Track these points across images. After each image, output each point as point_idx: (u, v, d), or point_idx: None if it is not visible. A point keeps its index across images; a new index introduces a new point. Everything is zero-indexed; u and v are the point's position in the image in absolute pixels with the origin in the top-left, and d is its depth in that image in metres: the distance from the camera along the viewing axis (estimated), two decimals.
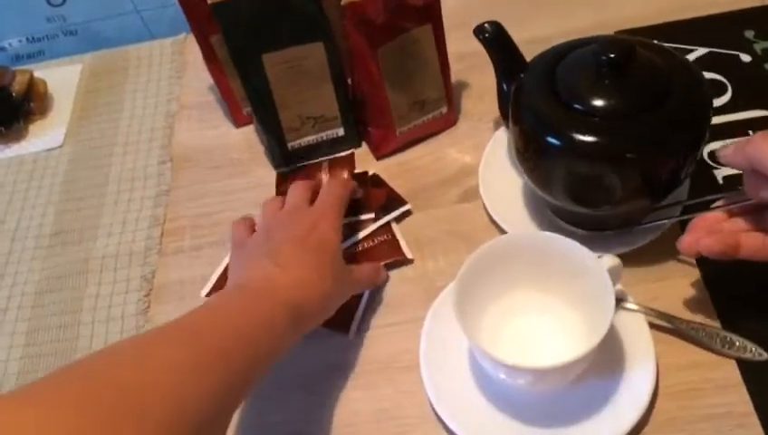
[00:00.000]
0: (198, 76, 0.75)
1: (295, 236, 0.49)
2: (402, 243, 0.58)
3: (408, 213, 0.60)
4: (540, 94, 0.49)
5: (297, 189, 0.55)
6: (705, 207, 0.50)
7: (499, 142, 0.61)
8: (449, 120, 0.65)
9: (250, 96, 0.61)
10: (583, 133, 0.46)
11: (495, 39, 0.54)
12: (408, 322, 0.53)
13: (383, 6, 0.55)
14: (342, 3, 0.54)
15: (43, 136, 0.74)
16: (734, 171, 0.56)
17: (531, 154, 0.51)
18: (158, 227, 0.64)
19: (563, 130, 0.47)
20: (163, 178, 0.68)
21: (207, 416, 0.37)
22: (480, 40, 0.55)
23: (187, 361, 0.38)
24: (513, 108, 0.52)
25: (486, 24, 0.54)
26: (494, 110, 0.59)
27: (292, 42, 0.58)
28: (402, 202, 0.60)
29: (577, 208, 0.51)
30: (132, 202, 0.67)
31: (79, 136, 0.74)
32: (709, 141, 0.59)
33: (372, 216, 0.59)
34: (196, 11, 0.60)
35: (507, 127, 0.55)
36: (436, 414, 0.48)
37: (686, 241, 0.46)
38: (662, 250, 0.52)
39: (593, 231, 0.53)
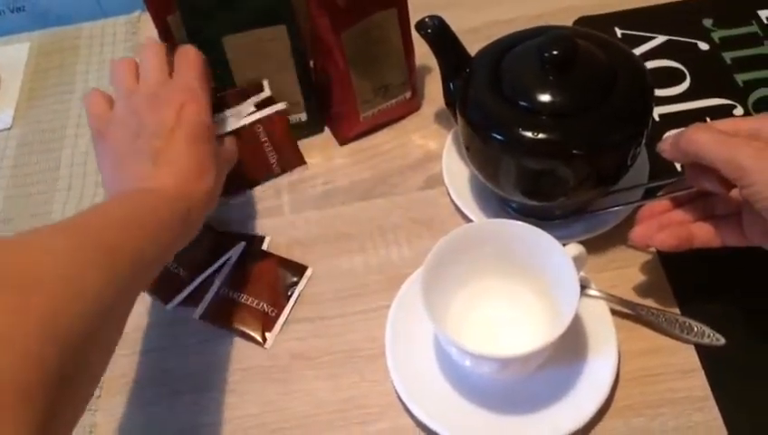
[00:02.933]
0: None
1: (165, 125, 0.47)
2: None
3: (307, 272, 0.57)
4: (485, 91, 0.50)
5: (152, 57, 0.51)
6: (657, 191, 0.51)
7: None
8: (413, 106, 0.65)
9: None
10: (529, 131, 0.47)
11: (438, 34, 0.54)
12: (372, 310, 0.53)
13: None
14: None
15: None
16: None
17: (479, 151, 0.51)
18: None
19: (510, 127, 0.48)
20: None
21: (101, 308, 0.36)
22: (422, 35, 0.54)
23: (78, 254, 0.37)
24: (459, 104, 0.51)
25: (427, 19, 0.53)
26: None
27: (254, 24, 0.56)
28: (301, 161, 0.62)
29: (528, 202, 0.52)
30: (87, 187, 0.64)
31: (28, 118, 0.71)
32: (667, 129, 0.60)
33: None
34: None
35: (455, 120, 0.55)
36: (402, 402, 0.48)
37: (637, 233, 0.47)
38: (622, 237, 0.53)
39: (547, 220, 0.54)
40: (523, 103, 0.48)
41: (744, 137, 0.41)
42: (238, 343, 0.53)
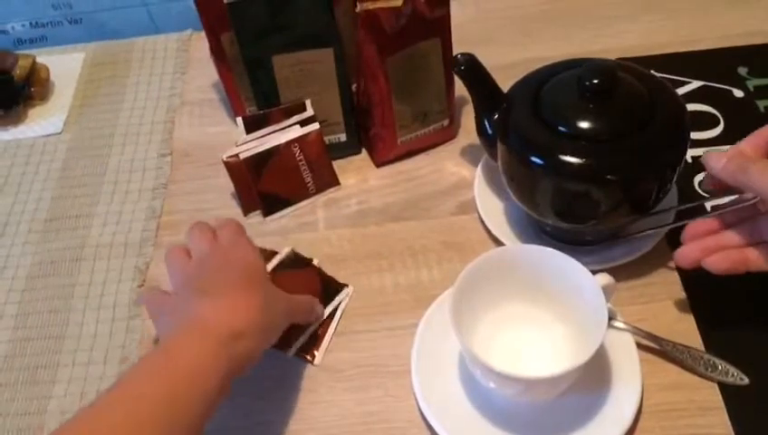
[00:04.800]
0: (202, 73, 0.76)
1: (215, 263, 0.47)
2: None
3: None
4: (525, 117, 0.52)
5: (197, 234, 0.50)
6: (690, 216, 0.52)
7: None
8: (449, 134, 0.66)
9: (257, 96, 0.62)
10: (568, 155, 0.48)
11: (469, 70, 0.56)
12: (400, 328, 0.54)
13: (396, 17, 0.56)
14: (357, 10, 0.55)
15: (43, 122, 0.74)
16: None
17: (518, 175, 0.53)
18: (155, 219, 0.64)
19: (549, 151, 0.49)
20: (162, 171, 0.68)
21: None
22: (454, 71, 0.57)
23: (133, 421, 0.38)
24: (499, 130, 0.53)
25: (460, 56, 0.56)
26: None
27: (303, 46, 0.59)
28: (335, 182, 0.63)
29: (563, 225, 0.53)
30: (130, 193, 0.67)
31: (79, 124, 0.74)
32: (698, 172, 0.61)
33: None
34: (209, 8, 0.61)
35: (486, 151, 0.57)
36: (425, 420, 0.48)
37: (684, 253, 0.48)
38: (651, 267, 0.54)
39: (579, 245, 0.55)
40: (562, 129, 0.49)
41: None
42: (268, 353, 0.53)
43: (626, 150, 0.49)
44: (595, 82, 0.49)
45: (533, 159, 0.50)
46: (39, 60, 0.77)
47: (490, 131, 0.55)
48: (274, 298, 0.48)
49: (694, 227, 0.49)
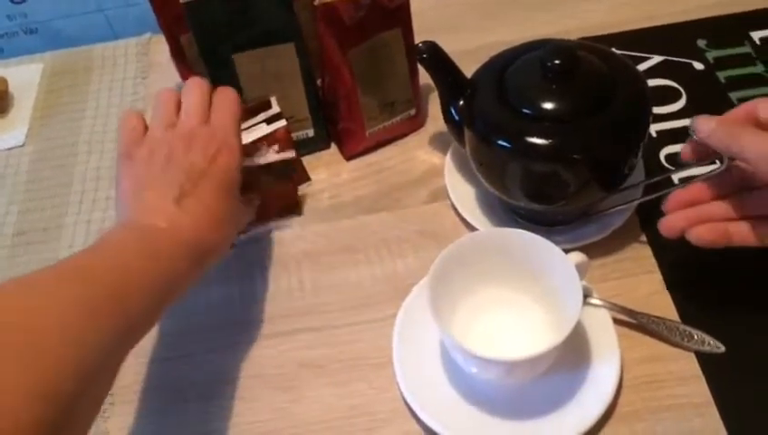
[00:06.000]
0: (164, 77, 0.75)
1: (195, 168, 0.46)
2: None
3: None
4: (490, 101, 0.52)
5: (197, 95, 0.50)
6: (658, 189, 0.53)
7: None
8: (417, 123, 0.66)
9: None
10: (534, 136, 0.49)
11: (432, 58, 0.56)
12: (379, 320, 0.54)
13: (355, 9, 0.56)
14: (315, 3, 0.55)
15: (4, 135, 0.73)
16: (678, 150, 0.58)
17: (486, 160, 0.53)
18: None
19: (515, 134, 0.50)
20: None
21: (102, 358, 0.36)
22: (417, 60, 0.57)
23: (83, 303, 0.37)
24: (465, 116, 0.54)
25: (421, 45, 0.56)
26: None
27: (264, 42, 0.58)
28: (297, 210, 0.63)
29: (534, 206, 0.53)
30: (97, 202, 0.66)
31: (41, 135, 0.73)
32: (664, 146, 0.62)
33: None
34: (166, 10, 0.60)
35: (455, 138, 0.57)
36: (409, 409, 0.49)
37: (667, 222, 0.48)
38: (623, 243, 0.55)
39: (550, 226, 0.56)
40: (526, 111, 0.50)
41: None
42: (247, 351, 0.54)
43: (590, 129, 0.49)
44: (556, 63, 0.49)
45: (500, 142, 0.50)
46: None
47: (457, 118, 0.55)
48: (240, 212, 0.51)
49: (676, 196, 0.48)
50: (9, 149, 0.72)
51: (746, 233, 0.47)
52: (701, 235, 0.46)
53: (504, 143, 0.50)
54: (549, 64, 0.49)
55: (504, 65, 0.53)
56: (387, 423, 0.49)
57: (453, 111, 0.56)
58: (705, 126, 0.46)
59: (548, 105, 0.49)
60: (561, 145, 0.49)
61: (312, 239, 0.60)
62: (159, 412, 0.51)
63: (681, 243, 0.48)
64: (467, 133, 0.53)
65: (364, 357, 0.52)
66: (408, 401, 0.48)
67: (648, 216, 0.55)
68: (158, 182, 0.46)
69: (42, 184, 0.68)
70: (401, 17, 0.59)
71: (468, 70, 0.56)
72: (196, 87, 0.50)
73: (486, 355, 0.44)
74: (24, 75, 0.78)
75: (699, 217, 0.47)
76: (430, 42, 0.55)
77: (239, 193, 0.49)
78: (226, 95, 0.51)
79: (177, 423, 0.51)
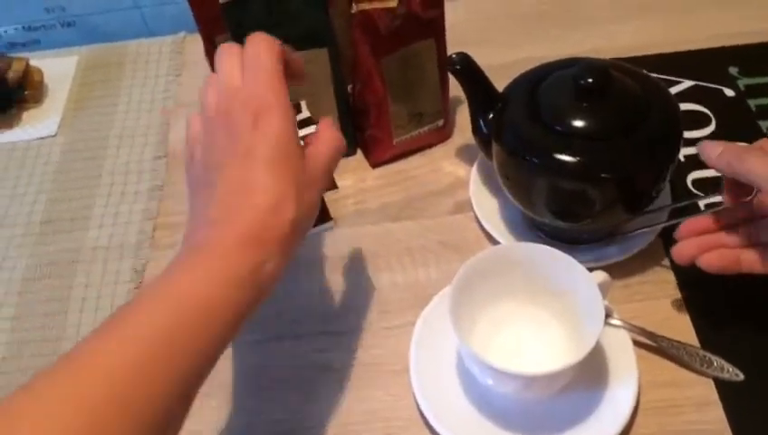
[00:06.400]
0: (196, 76, 0.76)
1: (236, 151, 0.37)
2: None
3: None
4: (521, 116, 0.52)
5: (225, 63, 0.41)
6: (684, 214, 0.53)
7: None
8: (445, 134, 0.67)
9: None
10: (563, 153, 0.49)
11: (464, 69, 0.56)
12: (398, 327, 0.54)
13: (390, 18, 0.57)
14: (352, 11, 0.56)
15: (37, 124, 0.74)
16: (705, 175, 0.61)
17: (513, 173, 0.53)
18: (151, 221, 0.64)
19: (544, 150, 0.50)
20: (157, 173, 0.68)
21: (161, 413, 0.32)
22: (450, 70, 0.57)
23: (130, 361, 0.32)
24: (495, 130, 0.54)
25: (454, 56, 0.56)
26: None
27: (298, 46, 0.59)
28: (327, 217, 0.61)
29: (560, 224, 0.53)
30: (125, 195, 0.67)
31: (73, 126, 0.74)
32: (691, 171, 0.61)
33: None
34: (204, 9, 0.61)
35: (482, 150, 0.58)
36: (424, 418, 0.49)
37: (679, 249, 0.49)
38: (645, 266, 0.55)
39: (574, 244, 0.56)
40: (556, 127, 0.50)
41: None
42: (266, 351, 0.54)
43: (620, 149, 0.49)
44: (589, 81, 0.49)
45: (529, 157, 0.50)
46: (32, 63, 0.77)
47: (485, 130, 0.56)
48: (308, 187, 0.39)
49: (688, 224, 0.49)
50: (41, 138, 0.73)
51: (756, 260, 0.47)
52: (711, 261, 0.47)
53: (534, 159, 0.50)
54: (582, 82, 0.49)
55: (536, 81, 0.53)
56: (402, 431, 0.49)
57: (482, 124, 0.56)
58: (712, 150, 0.46)
59: (579, 123, 0.50)
60: (590, 163, 0.49)
61: (334, 244, 0.61)
62: None
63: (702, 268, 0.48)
64: (495, 147, 0.53)
65: (381, 363, 0.52)
66: (423, 410, 0.49)
67: (671, 240, 0.55)
68: (202, 183, 0.39)
69: (71, 175, 0.69)
70: (435, 28, 0.60)
71: (498, 84, 0.56)
72: (225, 54, 0.41)
73: (503, 368, 0.44)
74: (60, 67, 0.79)
75: (710, 244, 0.48)
76: (463, 53, 0.56)
77: (302, 152, 0.39)
78: (257, 43, 0.40)
79: (194, 416, 0.51)
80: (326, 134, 0.42)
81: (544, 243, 0.53)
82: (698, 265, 0.48)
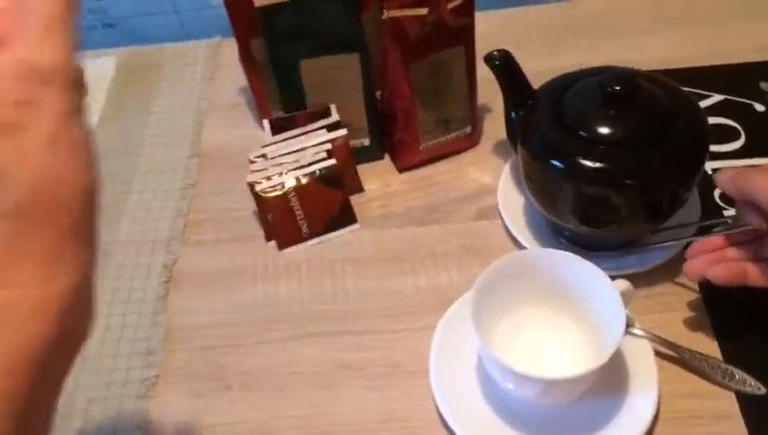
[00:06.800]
0: (230, 79, 0.78)
1: (18, 193, 0.25)
2: None
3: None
4: (547, 120, 0.53)
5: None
6: (708, 231, 0.54)
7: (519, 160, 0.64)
8: (472, 141, 0.67)
9: (284, 99, 0.63)
10: (587, 159, 0.50)
11: (504, 66, 0.57)
12: (419, 329, 0.55)
13: (420, 25, 0.58)
14: (383, 17, 0.57)
15: None
16: None
17: (537, 177, 0.54)
18: (182, 218, 0.66)
19: (569, 155, 0.50)
20: (189, 172, 0.70)
21: None
22: (489, 67, 0.58)
23: None
24: (521, 132, 0.55)
25: (495, 52, 0.57)
26: None
27: (330, 51, 0.60)
28: (353, 219, 0.62)
29: (579, 229, 0.54)
30: (158, 192, 0.68)
31: (110, 125, 0.76)
32: None
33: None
34: (241, 13, 0.63)
35: (515, 151, 0.58)
36: (443, 420, 0.49)
37: (690, 266, 0.50)
38: (669, 277, 0.55)
39: (598, 251, 0.56)
40: (582, 133, 0.50)
41: None
42: (289, 348, 0.55)
43: (645, 156, 0.49)
44: (616, 88, 0.50)
45: (552, 161, 0.51)
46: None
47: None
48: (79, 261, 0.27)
49: (698, 245, 0.50)
50: None
51: (764, 274, 0.48)
52: (718, 274, 0.48)
53: (558, 163, 0.51)
54: (609, 90, 0.50)
55: (564, 87, 0.54)
56: (420, 431, 0.50)
57: (516, 122, 0.57)
58: (725, 175, 0.48)
59: (604, 129, 0.50)
60: (614, 169, 0.49)
61: (359, 246, 0.62)
62: (201, 396, 0.53)
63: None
64: (521, 149, 0.54)
65: (401, 364, 0.53)
66: (442, 412, 0.49)
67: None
68: None
69: (107, 171, 0.70)
70: (465, 36, 0.61)
71: None
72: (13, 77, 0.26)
73: (524, 371, 0.44)
74: (99, 68, 0.82)
75: (718, 259, 0.49)
76: (504, 50, 0.57)
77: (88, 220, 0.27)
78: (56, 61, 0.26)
79: (217, 409, 0.52)
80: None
81: (567, 249, 0.53)
82: (708, 278, 0.49)
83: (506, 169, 0.63)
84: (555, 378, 0.44)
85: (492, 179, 0.64)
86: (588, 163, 0.49)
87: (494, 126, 0.69)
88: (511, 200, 0.61)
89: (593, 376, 0.45)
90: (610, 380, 0.49)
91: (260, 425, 0.51)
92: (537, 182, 0.54)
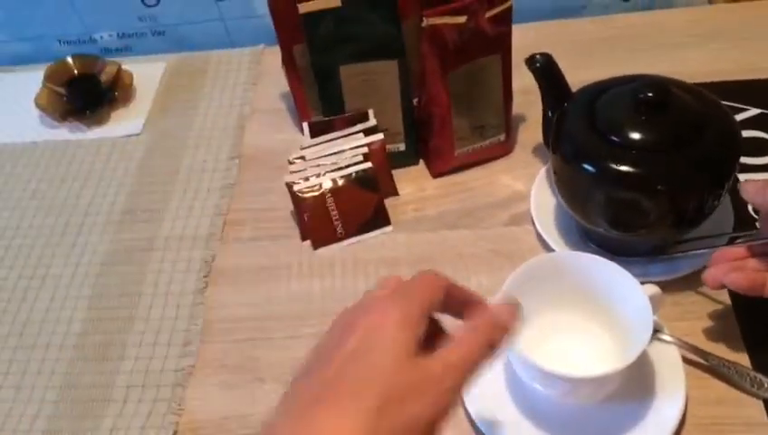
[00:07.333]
0: (272, 85, 0.80)
1: (331, 360, 0.33)
2: None
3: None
4: (580, 124, 0.54)
5: (379, 283, 0.38)
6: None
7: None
8: (506, 148, 0.68)
9: (323, 104, 0.65)
10: (618, 163, 0.50)
11: (545, 69, 0.59)
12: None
13: (458, 33, 0.59)
14: (423, 25, 0.58)
15: (124, 123, 0.80)
16: None
17: (567, 179, 0.55)
18: (222, 216, 0.68)
19: (599, 159, 0.51)
20: (230, 172, 0.72)
21: None
22: (531, 69, 0.59)
23: None
24: (554, 135, 0.56)
25: (538, 55, 0.59)
26: None
27: (370, 57, 0.62)
28: (387, 221, 0.64)
29: (608, 232, 0.54)
30: (199, 192, 0.71)
31: (156, 126, 0.79)
32: None
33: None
34: (285, 21, 0.65)
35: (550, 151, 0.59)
36: (469, 419, 0.50)
37: (710, 274, 0.49)
38: (698, 285, 0.55)
39: (627, 256, 0.56)
40: (614, 138, 0.51)
41: None
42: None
43: (675, 162, 0.50)
44: (649, 95, 0.51)
45: (583, 165, 0.52)
46: (124, 67, 0.83)
47: None
48: (404, 400, 0.31)
49: (720, 254, 0.50)
50: (127, 136, 0.78)
51: None
52: (736, 281, 0.48)
53: (588, 166, 0.51)
54: (641, 96, 0.51)
55: (597, 93, 0.55)
56: (447, 431, 0.50)
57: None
58: (752, 186, 0.48)
59: (635, 135, 0.51)
60: (644, 174, 0.50)
61: (392, 247, 0.63)
62: (235, 387, 0.55)
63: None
64: (552, 151, 0.55)
65: None
66: (469, 412, 0.50)
67: None
68: (300, 378, 0.34)
69: (152, 170, 0.74)
70: (502, 44, 0.62)
71: None
72: (381, 280, 0.39)
73: (550, 370, 0.45)
74: (148, 72, 0.85)
75: (739, 267, 0.49)
76: (547, 53, 0.59)
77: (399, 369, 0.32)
78: (418, 277, 0.37)
79: (249, 400, 0.54)
80: (470, 335, 0.35)
81: (596, 254, 0.54)
82: (725, 284, 0.48)
83: (540, 176, 0.64)
84: (581, 377, 0.44)
85: (524, 187, 0.65)
86: (618, 167, 0.50)
87: (528, 134, 0.70)
88: (543, 207, 0.62)
89: (619, 377, 0.45)
90: (637, 384, 0.49)
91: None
92: (568, 185, 0.55)
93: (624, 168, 0.50)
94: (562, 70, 0.61)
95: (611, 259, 0.50)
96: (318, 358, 0.34)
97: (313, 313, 0.59)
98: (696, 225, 0.53)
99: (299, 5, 0.59)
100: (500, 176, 0.68)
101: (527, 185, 0.65)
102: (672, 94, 0.51)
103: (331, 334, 0.35)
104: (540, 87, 0.60)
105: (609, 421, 0.49)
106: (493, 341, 0.35)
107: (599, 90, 0.56)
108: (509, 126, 0.67)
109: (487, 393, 0.51)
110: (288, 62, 0.69)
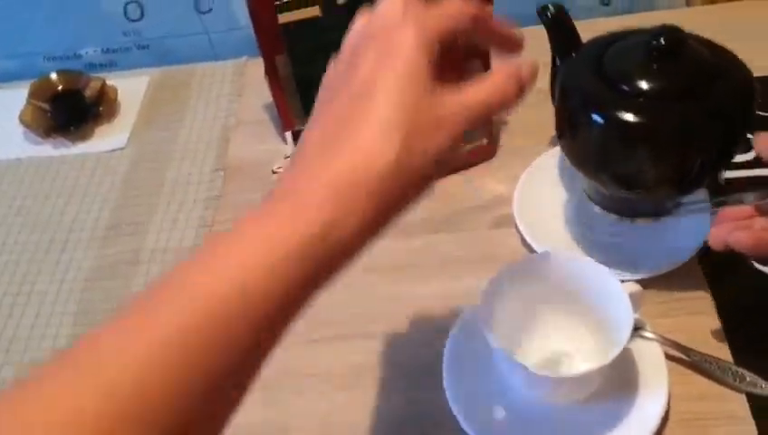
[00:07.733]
0: (256, 96, 0.81)
1: (351, 82, 0.34)
2: None
3: None
4: (587, 72, 0.52)
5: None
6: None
7: (535, 170, 0.66)
8: (488, 152, 0.69)
9: (307, 113, 0.65)
10: (623, 111, 0.48)
11: (556, 20, 0.57)
12: (433, 331, 0.56)
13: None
14: None
15: (108, 138, 0.80)
16: None
17: (570, 128, 0.53)
18: (206, 228, 0.68)
19: (604, 106, 0.49)
20: (214, 184, 0.73)
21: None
22: (542, 20, 0.58)
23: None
24: (560, 83, 0.54)
25: (550, 5, 0.57)
26: (531, 145, 0.64)
27: None
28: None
29: (609, 187, 0.53)
30: (184, 204, 0.71)
31: (141, 140, 0.79)
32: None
33: None
34: (266, 31, 0.66)
35: (554, 102, 0.57)
36: (455, 420, 0.50)
37: (714, 233, 0.47)
38: (680, 286, 0.55)
39: (624, 217, 0.55)
40: (622, 86, 0.49)
41: None
42: (308, 350, 0.57)
43: (686, 111, 0.48)
44: (661, 42, 0.49)
45: (591, 114, 0.50)
46: (108, 82, 0.83)
47: None
48: (429, 132, 0.32)
49: (725, 213, 0.48)
50: (112, 150, 0.79)
51: None
52: (741, 240, 0.45)
53: (595, 115, 0.50)
54: (653, 43, 0.49)
55: (608, 43, 0.53)
56: (432, 432, 0.51)
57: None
58: (763, 138, 0.46)
59: (644, 83, 0.49)
60: (652, 124, 0.48)
61: (375, 253, 0.61)
62: None
63: (739, 286, 0.49)
64: (558, 100, 0.54)
65: (415, 366, 0.54)
66: (455, 413, 0.50)
67: (707, 256, 0.56)
68: (325, 102, 0.36)
69: (136, 184, 0.74)
70: (481, 50, 0.62)
71: None
72: None
73: (533, 370, 0.45)
74: (132, 86, 0.85)
75: (745, 227, 0.47)
76: (560, 3, 0.57)
77: (427, 90, 0.32)
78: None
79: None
80: (493, 78, 0.35)
81: (594, 213, 0.53)
82: (729, 244, 0.46)
83: (522, 179, 0.65)
84: (562, 376, 0.45)
85: (507, 190, 0.66)
86: (624, 116, 0.48)
87: (510, 138, 0.71)
88: (526, 210, 0.62)
89: (600, 375, 0.45)
90: (620, 382, 0.50)
91: (278, 425, 0.53)
92: (573, 135, 0.53)
93: (630, 116, 0.48)
94: (544, 74, 0.61)
95: (617, 220, 0.50)
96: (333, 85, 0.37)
97: (300, 321, 0.59)
98: (702, 183, 0.52)
99: (279, 16, 0.60)
100: (483, 180, 0.68)
101: (510, 188, 0.65)
102: (684, 43, 0.49)
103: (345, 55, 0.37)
104: (549, 39, 0.57)
105: (592, 420, 0.49)
106: (510, 94, 0.35)
107: (609, 40, 0.53)
108: (490, 130, 0.68)
109: (473, 393, 0.51)
110: (271, 73, 0.69)
